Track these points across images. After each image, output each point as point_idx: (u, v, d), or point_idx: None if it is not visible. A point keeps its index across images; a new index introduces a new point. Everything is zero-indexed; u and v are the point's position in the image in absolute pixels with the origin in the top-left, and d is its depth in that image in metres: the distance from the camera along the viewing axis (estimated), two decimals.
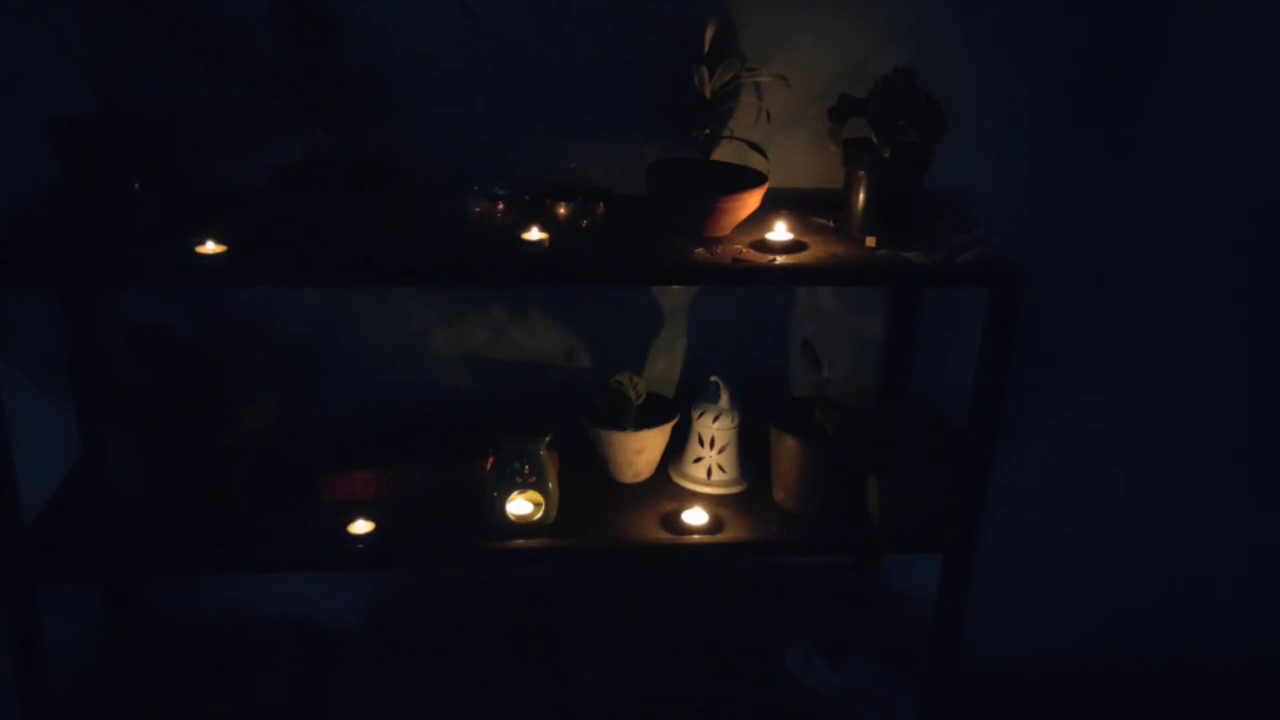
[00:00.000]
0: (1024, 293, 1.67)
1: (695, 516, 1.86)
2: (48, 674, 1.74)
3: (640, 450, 1.95)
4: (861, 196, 1.78)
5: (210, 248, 1.61)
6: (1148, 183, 2.08)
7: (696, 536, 1.84)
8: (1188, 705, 2.42)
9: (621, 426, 1.93)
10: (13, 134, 1.78)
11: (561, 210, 1.76)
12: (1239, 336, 2.23)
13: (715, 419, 1.94)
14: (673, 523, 1.86)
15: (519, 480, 1.80)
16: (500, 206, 1.75)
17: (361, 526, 1.80)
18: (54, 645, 1.75)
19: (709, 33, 1.74)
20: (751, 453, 1.97)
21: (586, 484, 1.94)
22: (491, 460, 1.84)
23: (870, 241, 1.75)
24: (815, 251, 1.73)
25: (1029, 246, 2.04)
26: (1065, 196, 2.09)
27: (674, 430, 1.98)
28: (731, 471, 1.96)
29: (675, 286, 2.06)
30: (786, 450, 1.87)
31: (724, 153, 1.82)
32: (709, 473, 1.96)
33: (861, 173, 1.77)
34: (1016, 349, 1.70)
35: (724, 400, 1.95)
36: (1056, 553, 2.39)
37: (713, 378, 1.97)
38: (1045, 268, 2.07)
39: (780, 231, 1.75)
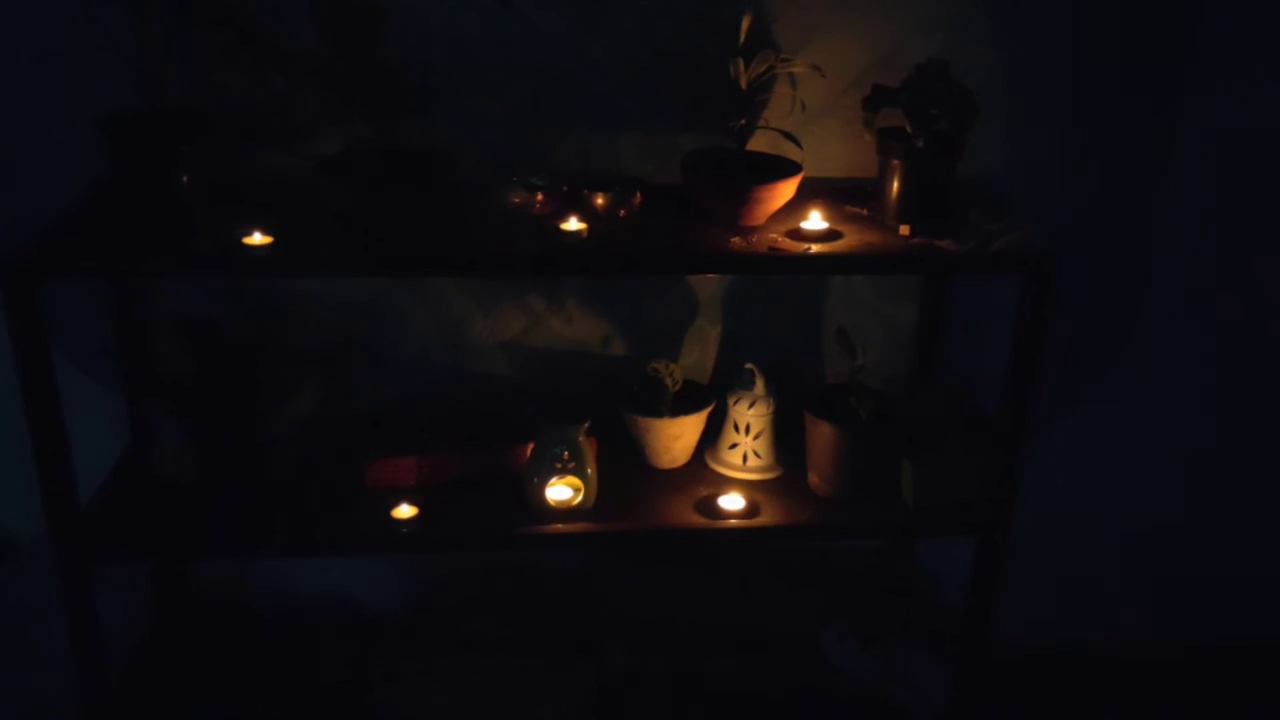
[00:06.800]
0: (1056, 280, 1.68)
1: (731, 501, 1.89)
2: (103, 652, 1.78)
3: (677, 436, 1.97)
4: (895, 185, 1.79)
5: (256, 239, 1.63)
6: (1179, 171, 2.08)
7: (732, 521, 1.86)
8: (1221, 688, 2.42)
9: (658, 413, 1.95)
10: (64, 129, 1.82)
11: (599, 201, 1.78)
12: (1270, 321, 2.23)
13: (750, 405, 1.97)
14: (709, 508, 1.89)
15: (558, 466, 1.82)
16: (539, 197, 1.78)
17: (404, 511, 1.83)
18: (105, 624, 1.79)
19: (744, 24, 1.76)
20: (786, 438, 1.99)
21: (624, 470, 1.97)
22: (531, 446, 1.87)
23: (904, 230, 1.77)
24: (849, 240, 1.74)
25: (1061, 234, 2.04)
26: (1097, 185, 2.09)
27: (710, 417, 2.00)
28: (767, 457, 1.98)
29: (711, 275, 2.08)
30: (821, 436, 1.89)
31: (759, 143, 1.83)
32: (744, 458, 1.98)
33: (895, 162, 1.78)
34: (1048, 335, 1.71)
35: (759, 387, 1.97)
36: (1088, 537, 2.40)
37: (748, 365, 1.99)
38: (1077, 255, 2.07)
39: (815, 220, 1.77)
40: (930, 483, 1.88)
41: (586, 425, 1.84)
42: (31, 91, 1.84)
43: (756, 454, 1.98)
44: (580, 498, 1.84)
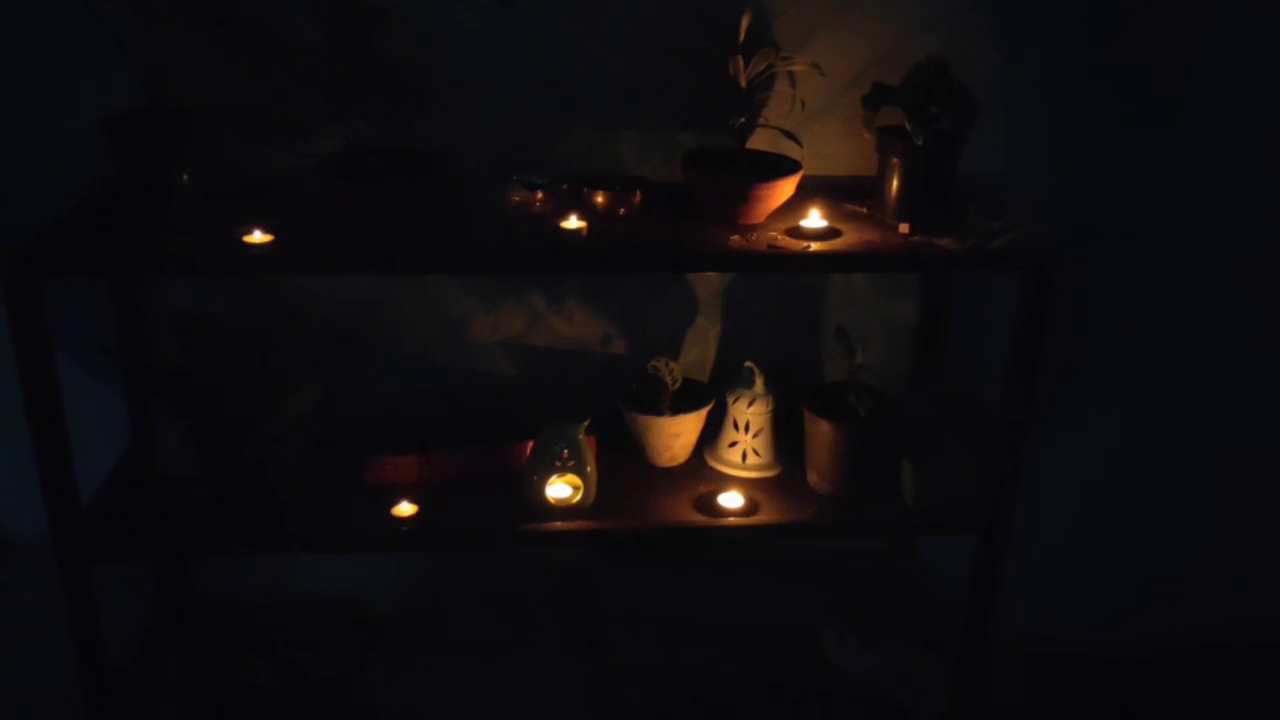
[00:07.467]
0: (1056, 278, 1.68)
1: (730, 500, 1.89)
2: (105, 651, 1.78)
3: (676, 435, 1.97)
4: (895, 183, 1.79)
5: (257, 237, 1.64)
6: (1180, 169, 2.08)
7: (732, 519, 1.87)
8: (1221, 688, 2.42)
9: (658, 411, 1.95)
10: (67, 128, 1.82)
11: (599, 199, 1.79)
12: (1270, 321, 2.23)
13: (750, 404, 1.97)
14: (708, 506, 1.89)
15: (558, 464, 1.83)
16: (539, 196, 1.78)
17: (404, 509, 1.83)
18: (107, 623, 1.79)
19: (744, 22, 1.76)
20: (786, 437, 1.99)
21: (624, 468, 1.97)
22: (531, 444, 1.87)
23: (904, 228, 1.77)
24: (849, 238, 1.74)
25: (1061, 233, 2.05)
26: (1097, 183, 2.09)
27: (709, 415, 2.00)
28: (766, 455, 1.98)
29: (711, 273, 2.08)
30: (821, 434, 1.89)
31: (759, 141, 1.84)
32: (744, 457, 1.98)
33: (895, 160, 1.79)
34: (1048, 334, 1.71)
35: (758, 385, 1.97)
36: (1089, 534, 2.39)
37: (747, 363, 1.99)
38: (1077, 255, 2.07)
39: (814, 218, 1.77)
40: (930, 482, 1.88)
41: (586, 423, 1.84)
42: (33, 90, 1.85)
43: (756, 452, 1.98)
44: (580, 496, 1.84)
